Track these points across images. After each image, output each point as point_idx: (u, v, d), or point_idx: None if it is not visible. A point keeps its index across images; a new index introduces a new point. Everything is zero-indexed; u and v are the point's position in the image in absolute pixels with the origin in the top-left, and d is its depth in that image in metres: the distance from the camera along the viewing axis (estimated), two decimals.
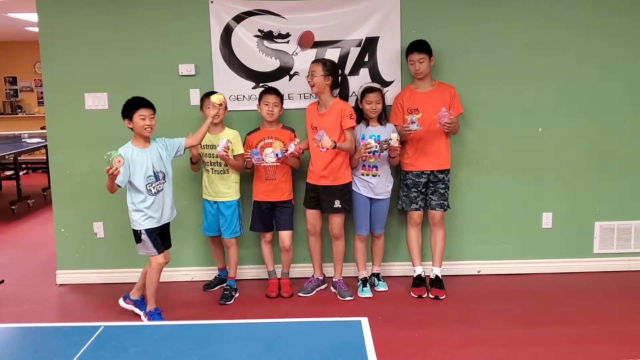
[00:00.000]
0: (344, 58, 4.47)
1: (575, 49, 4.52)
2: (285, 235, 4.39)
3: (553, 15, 4.48)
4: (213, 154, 4.18)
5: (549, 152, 4.61)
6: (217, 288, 4.53)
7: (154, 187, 3.80)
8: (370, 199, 4.30)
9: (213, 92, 4.16)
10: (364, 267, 4.44)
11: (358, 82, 4.46)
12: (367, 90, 4.22)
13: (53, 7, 4.50)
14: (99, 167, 4.55)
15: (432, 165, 4.30)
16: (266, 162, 4.20)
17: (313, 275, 4.47)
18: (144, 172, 3.73)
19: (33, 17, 5.44)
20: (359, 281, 4.41)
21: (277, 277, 4.48)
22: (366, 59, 4.48)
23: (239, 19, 4.46)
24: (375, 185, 4.26)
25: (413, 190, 4.34)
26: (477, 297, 4.32)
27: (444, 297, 4.24)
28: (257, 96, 4.39)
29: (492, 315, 3.98)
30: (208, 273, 4.68)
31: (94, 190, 4.61)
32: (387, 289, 4.43)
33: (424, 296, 4.29)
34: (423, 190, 4.36)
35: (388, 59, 4.48)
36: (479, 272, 4.70)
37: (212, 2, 4.44)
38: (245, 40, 4.48)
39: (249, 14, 4.45)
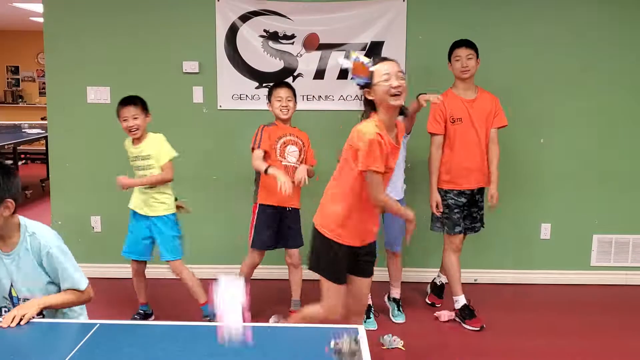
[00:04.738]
0: None
1: (579, 61, 4.52)
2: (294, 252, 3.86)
3: (557, 24, 4.48)
4: (138, 165, 3.68)
5: (549, 163, 4.61)
6: None
7: None
8: None
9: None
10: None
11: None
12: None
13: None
14: (99, 161, 4.58)
15: (476, 182, 3.89)
16: (287, 162, 3.65)
17: None
18: None
19: (38, 7, 5.42)
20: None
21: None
22: None
23: (244, 18, 4.45)
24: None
25: (456, 211, 3.89)
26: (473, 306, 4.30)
27: (440, 305, 4.25)
28: (260, 96, 4.38)
29: (488, 324, 3.96)
30: (203, 271, 4.63)
31: (93, 184, 4.61)
32: (404, 320, 4.02)
33: (483, 327, 3.87)
34: (466, 209, 3.94)
35: None
36: (475, 280, 4.69)
37: (218, 0, 4.43)
38: (250, 40, 4.47)
39: (255, 13, 4.45)
